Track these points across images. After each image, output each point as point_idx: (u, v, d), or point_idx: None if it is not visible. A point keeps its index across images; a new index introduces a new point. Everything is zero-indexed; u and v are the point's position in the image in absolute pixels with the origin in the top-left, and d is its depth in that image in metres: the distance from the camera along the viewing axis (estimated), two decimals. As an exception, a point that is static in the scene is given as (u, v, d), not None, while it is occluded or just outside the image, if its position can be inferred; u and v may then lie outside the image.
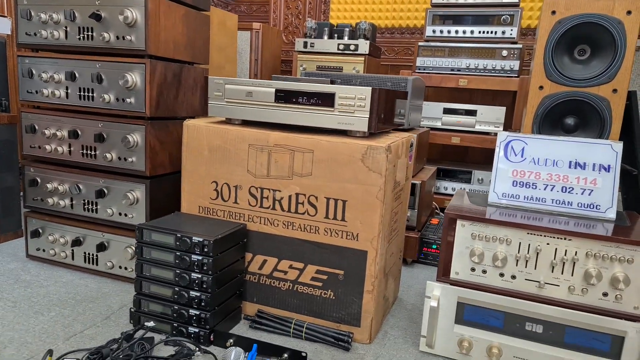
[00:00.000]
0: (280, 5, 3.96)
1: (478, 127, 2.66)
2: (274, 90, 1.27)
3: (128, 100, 1.44)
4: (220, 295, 1.23)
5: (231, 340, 1.17)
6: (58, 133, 1.54)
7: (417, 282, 1.75)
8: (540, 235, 1.12)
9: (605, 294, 1.08)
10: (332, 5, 3.68)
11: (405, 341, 1.31)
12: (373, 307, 1.26)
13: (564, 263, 1.10)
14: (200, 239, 1.18)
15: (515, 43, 2.57)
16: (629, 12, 1.44)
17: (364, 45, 2.86)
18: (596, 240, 1.07)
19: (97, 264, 1.59)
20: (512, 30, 2.56)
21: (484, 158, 3.03)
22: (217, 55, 2.23)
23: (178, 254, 1.20)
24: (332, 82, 1.36)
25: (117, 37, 1.42)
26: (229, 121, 1.39)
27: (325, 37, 2.97)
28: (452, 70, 2.69)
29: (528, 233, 1.13)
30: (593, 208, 1.23)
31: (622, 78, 1.46)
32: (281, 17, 3.98)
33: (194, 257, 1.19)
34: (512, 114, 2.63)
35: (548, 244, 1.11)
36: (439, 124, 2.73)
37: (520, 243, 1.14)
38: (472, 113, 2.67)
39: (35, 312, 1.34)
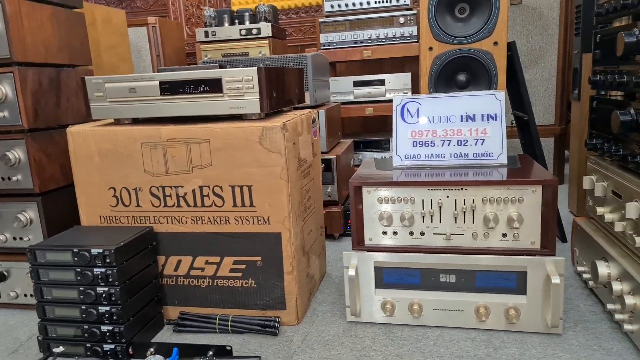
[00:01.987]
0: (178, -3, 3.78)
1: (388, 96, 2.72)
2: (157, 82, 1.20)
3: (1, 114, 1.31)
4: (134, 305, 1.17)
5: (151, 350, 1.12)
6: None
7: (345, 255, 1.76)
8: (440, 190, 1.16)
9: (504, 235, 1.14)
10: (232, -9, 3.58)
11: (334, 315, 1.32)
12: (295, 287, 1.25)
13: (464, 212, 1.15)
14: (100, 250, 1.10)
15: (410, 9, 2.64)
16: (498, -33, 1.52)
17: (266, 28, 2.81)
18: (488, 186, 1.13)
19: (-1, 297, 1.46)
20: (405, -3, 2.62)
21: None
22: (107, 56, 2.09)
23: (78, 270, 1.12)
24: (222, 67, 1.32)
25: None
26: (117, 122, 1.30)
27: (226, 24, 2.89)
28: (355, 43, 2.71)
29: (428, 189, 1.16)
30: (487, 156, 1.29)
31: (500, 31, 1.53)
32: (181, 9, 3.81)
33: (97, 270, 1.11)
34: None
35: (448, 196, 1.16)
36: (351, 98, 2.76)
37: (423, 200, 1.17)
38: (381, 82, 2.72)
39: None
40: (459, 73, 1.66)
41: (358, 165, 2.66)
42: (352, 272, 1.19)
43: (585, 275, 1.33)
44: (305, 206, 1.34)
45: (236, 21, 2.89)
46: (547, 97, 2.51)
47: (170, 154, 1.22)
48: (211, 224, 1.25)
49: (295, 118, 1.26)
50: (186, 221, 1.26)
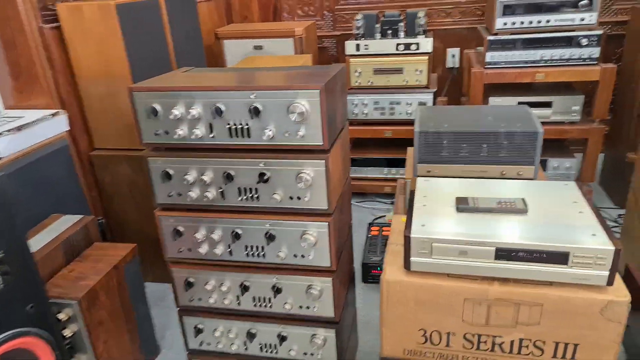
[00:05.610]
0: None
1: (553, 118, 2.62)
2: (494, 249, 1.20)
3: (308, 256, 1.34)
4: None
5: None
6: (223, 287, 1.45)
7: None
8: None
9: None
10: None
11: None
12: (598, 421, 1.34)
13: None
14: (453, 415, 1.19)
15: (592, 29, 2.43)
16: None
17: (425, 44, 2.64)
18: None
19: (277, 352, 1.57)
20: (591, 16, 2.40)
21: (556, 146, 2.92)
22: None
23: None
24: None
25: (291, 198, 1.28)
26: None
27: (378, 37, 2.72)
28: (525, 63, 2.55)
29: None
30: None
31: None
32: None
33: None
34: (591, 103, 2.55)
35: None
36: (512, 119, 2.66)
37: None
38: (547, 105, 2.61)
39: None
40: None
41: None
42: None
43: None
44: (600, 339, 1.39)
45: (389, 33, 2.71)
46: None
47: (495, 310, 1.25)
48: (524, 367, 1.31)
49: (614, 271, 1.25)
50: (497, 362, 1.33)
